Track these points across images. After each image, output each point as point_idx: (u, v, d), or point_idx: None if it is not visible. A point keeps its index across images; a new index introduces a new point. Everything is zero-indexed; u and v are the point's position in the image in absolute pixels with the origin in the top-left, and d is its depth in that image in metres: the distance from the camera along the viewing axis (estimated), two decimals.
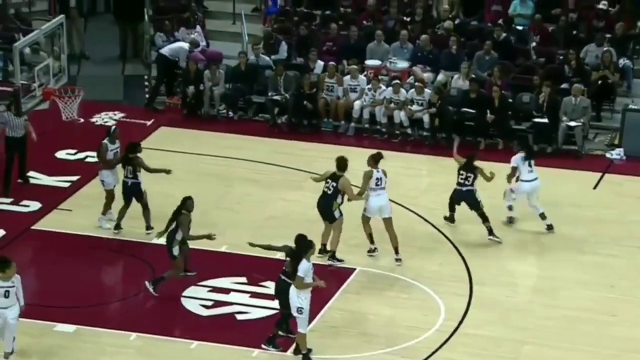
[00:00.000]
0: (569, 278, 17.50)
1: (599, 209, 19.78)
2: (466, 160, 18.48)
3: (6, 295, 14.55)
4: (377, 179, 17.52)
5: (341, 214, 17.48)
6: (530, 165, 18.68)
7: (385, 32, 24.02)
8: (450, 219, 18.83)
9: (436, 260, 17.85)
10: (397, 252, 17.65)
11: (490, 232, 18.35)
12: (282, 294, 15.29)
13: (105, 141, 18.49)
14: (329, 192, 17.34)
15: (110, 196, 18.38)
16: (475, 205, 18.33)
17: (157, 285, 16.60)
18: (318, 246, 16.51)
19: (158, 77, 23.98)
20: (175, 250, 16.57)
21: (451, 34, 23.79)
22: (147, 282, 16.63)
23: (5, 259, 14.74)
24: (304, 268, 14.89)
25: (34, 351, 15.28)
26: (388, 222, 17.61)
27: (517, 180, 18.79)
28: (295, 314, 15.01)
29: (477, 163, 18.56)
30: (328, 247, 17.59)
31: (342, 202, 17.44)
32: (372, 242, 17.79)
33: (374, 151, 18.00)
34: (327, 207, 17.39)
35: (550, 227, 18.73)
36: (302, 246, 15.11)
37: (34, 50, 21.82)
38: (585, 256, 18.19)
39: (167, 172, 18.18)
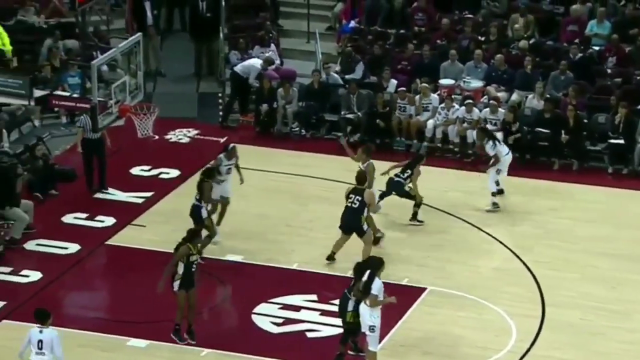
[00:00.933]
0: None
1: None
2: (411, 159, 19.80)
3: (40, 346, 14.05)
4: None
5: (368, 226, 17.60)
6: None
7: (459, 51, 23.95)
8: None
9: (508, 281, 17.70)
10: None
11: (414, 216, 19.29)
12: (342, 308, 15.32)
13: (221, 155, 18.85)
14: (355, 206, 17.51)
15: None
16: (403, 193, 19.38)
17: (178, 335, 15.88)
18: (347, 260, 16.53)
19: (231, 95, 24.17)
20: (175, 286, 15.72)
21: (526, 53, 23.64)
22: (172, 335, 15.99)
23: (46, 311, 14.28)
24: (377, 286, 14.88)
25: None
26: None
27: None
28: (367, 332, 14.98)
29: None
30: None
31: (367, 215, 17.61)
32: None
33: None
34: (356, 221, 17.52)
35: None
36: (374, 263, 15.10)
37: (111, 68, 22.13)
38: None
39: (210, 215, 18.26)
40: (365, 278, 15.03)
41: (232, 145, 19.30)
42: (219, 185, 18.70)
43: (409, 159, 19.97)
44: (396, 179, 19.48)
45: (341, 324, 15.51)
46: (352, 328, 15.33)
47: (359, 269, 15.28)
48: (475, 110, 22.36)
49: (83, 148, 20.45)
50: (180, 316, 15.98)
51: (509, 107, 22.32)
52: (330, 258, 17.98)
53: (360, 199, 17.53)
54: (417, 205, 19.41)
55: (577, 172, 21.66)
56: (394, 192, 19.49)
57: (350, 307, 15.23)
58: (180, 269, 15.71)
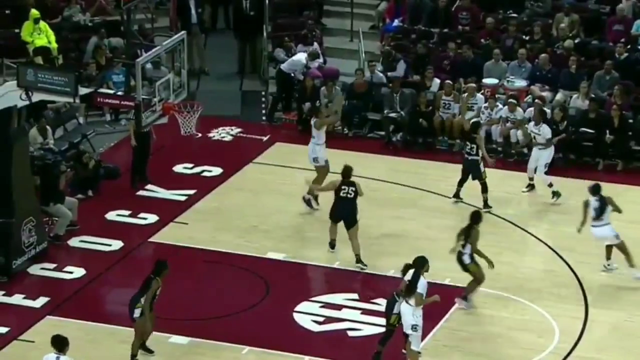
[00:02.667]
0: None
1: None
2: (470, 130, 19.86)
3: None
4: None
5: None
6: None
7: (503, 50, 23.83)
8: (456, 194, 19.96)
9: (551, 282, 17.59)
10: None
11: (486, 204, 19.47)
12: (388, 310, 15.37)
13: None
14: (351, 196, 18.02)
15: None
16: (478, 175, 19.55)
17: None
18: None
19: (277, 92, 24.24)
20: (136, 313, 15.41)
21: (571, 53, 23.47)
22: None
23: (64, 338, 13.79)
24: (422, 285, 14.87)
25: None
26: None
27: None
28: (409, 331, 14.95)
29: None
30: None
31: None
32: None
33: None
34: (353, 211, 18.05)
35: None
36: (418, 262, 15.09)
37: (155, 66, 22.24)
38: None
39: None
40: (409, 277, 15.00)
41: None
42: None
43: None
44: (470, 157, 19.68)
45: (385, 324, 15.48)
46: (393, 330, 15.32)
47: (406, 268, 15.25)
48: (519, 109, 22.23)
49: (137, 141, 20.62)
50: (136, 347, 15.54)
51: (559, 106, 22.17)
52: (332, 246, 18.42)
53: (354, 189, 18.09)
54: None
55: (622, 173, 21.48)
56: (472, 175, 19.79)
57: (396, 309, 15.22)
58: (145, 300, 15.47)
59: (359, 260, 18.00)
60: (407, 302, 14.97)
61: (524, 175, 21.11)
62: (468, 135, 20.00)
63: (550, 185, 20.23)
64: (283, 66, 24.03)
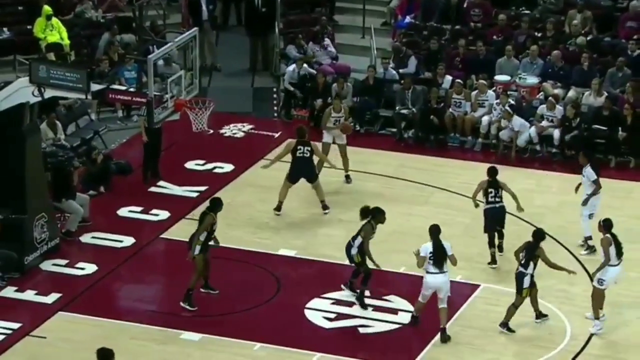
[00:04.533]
0: None
1: None
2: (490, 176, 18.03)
3: None
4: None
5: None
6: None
7: (515, 47, 23.79)
8: (493, 258, 17.98)
9: (563, 279, 17.54)
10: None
11: (500, 247, 18.13)
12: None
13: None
14: (307, 155, 19.46)
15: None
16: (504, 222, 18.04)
17: (190, 300, 16.63)
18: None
19: (287, 94, 24.23)
20: (195, 250, 16.63)
21: (583, 50, 23.42)
22: (181, 303, 16.69)
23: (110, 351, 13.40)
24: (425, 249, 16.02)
25: (159, 358, 15.53)
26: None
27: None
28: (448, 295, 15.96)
29: None
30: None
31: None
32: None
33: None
34: (312, 168, 19.59)
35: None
36: (433, 231, 16.07)
37: (167, 62, 22.25)
38: None
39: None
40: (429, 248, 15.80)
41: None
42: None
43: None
44: (497, 205, 17.92)
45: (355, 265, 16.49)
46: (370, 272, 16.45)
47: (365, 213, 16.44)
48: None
49: (148, 137, 20.63)
50: (195, 282, 16.55)
51: (572, 102, 22.12)
52: (279, 209, 19.44)
53: (310, 149, 19.41)
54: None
55: (634, 170, 21.42)
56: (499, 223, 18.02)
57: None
58: (203, 236, 16.51)
59: (325, 207, 19.53)
60: (442, 272, 15.76)
61: (536, 173, 21.08)
62: (492, 180, 17.94)
63: (589, 238, 18.39)
64: (286, 84, 24.00)
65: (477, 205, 18.03)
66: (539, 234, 16.28)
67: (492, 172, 18.03)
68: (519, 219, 19.11)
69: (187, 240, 16.97)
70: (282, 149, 20.00)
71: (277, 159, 19.88)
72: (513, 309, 16.11)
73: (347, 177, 20.83)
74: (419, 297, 16.15)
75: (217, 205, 16.82)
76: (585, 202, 18.25)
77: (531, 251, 15.98)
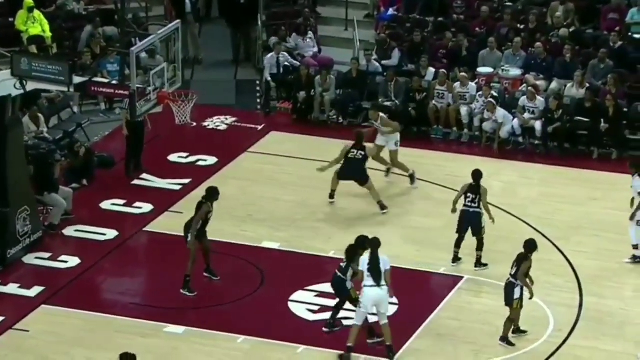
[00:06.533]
0: None
1: None
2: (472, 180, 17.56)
3: None
4: None
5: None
6: None
7: (498, 39, 23.82)
8: (455, 257, 17.77)
9: (547, 271, 17.60)
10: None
11: (479, 262, 17.62)
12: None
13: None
14: (359, 158, 19.28)
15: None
16: (478, 229, 17.51)
17: (188, 286, 16.86)
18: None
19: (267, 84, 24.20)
20: (190, 238, 16.80)
21: (566, 41, 23.47)
22: (182, 291, 16.83)
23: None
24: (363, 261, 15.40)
25: (143, 351, 15.48)
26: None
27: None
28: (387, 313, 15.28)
29: None
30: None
31: None
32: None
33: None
34: (363, 170, 19.36)
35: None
36: (368, 243, 15.53)
37: (150, 55, 22.17)
38: None
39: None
40: (367, 261, 15.27)
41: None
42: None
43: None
44: (471, 210, 17.59)
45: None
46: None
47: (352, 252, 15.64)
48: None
49: (129, 130, 20.60)
50: (191, 268, 16.69)
51: (554, 94, 22.15)
52: (332, 196, 19.51)
53: (363, 153, 19.21)
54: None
55: (616, 161, 21.49)
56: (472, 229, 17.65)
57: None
58: (199, 224, 16.76)
59: (382, 207, 19.37)
60: (379, 285, 15.15)
61: (519, 165, 21.12)
62: (475, 184, 17.58)
63: (635, 247, 17.91)
64: (266, 74, 23.89)
65: (454, 211, 17.68)
66: (531, 245, 15.81)
67: (475, 177, 17.57)
68: (503, 211, 19.17)
69: (182, 230, 17.08)
70: (339, 153, 19.39)
71: (334, 162, 19.38)
72: (509, 322, 15.81)
73: (388, 170, 20.68)
74: (354, 319, 15.42)
75: (213, 194, 16.99)
76: (632, 217, 17.71)
77: (522, 262, 15.68)
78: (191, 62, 25.50)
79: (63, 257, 18.03)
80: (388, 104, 22.96)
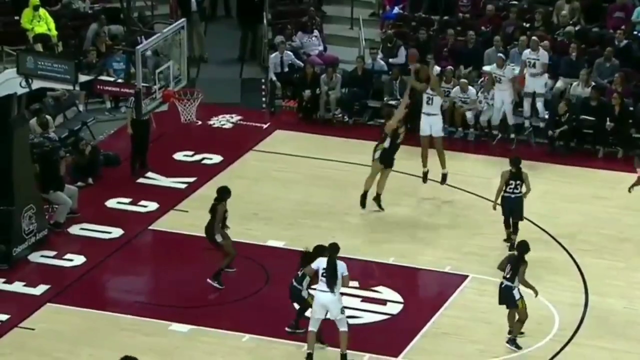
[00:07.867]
0: None
1: None
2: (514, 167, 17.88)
3: None
4: None
5: None
6: None
7: (503, 38, 23.79)
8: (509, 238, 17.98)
9: (552, 269, 17.59)
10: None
11: (512, 245, 17.47)
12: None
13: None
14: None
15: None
16: (520, 214, 17.83)
17: (218, 278, 16.99)
18: None
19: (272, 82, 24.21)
20: (218, 237, 16.92)
21: (572, 40, 23.44)
22: (209, 280, 17.00)
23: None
24: (342, 266, 15.27)
25: (148, 349, 15.52)
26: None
27: None
28: (340, 316, 15.20)
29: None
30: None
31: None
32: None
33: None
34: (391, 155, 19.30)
35: None
36: (330, 249, 15.40)
37: (155, 53, 22.16)
38: None
39: None
40: (323, 265, 15.15)
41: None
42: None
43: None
44: (513, 196, 17.87)
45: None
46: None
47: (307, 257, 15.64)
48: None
49: (133, 129, 20.60)
50: (227, 263, 17.04)
51: (565, 99, 22.14)
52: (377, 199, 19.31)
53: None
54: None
55: (622, 160, 21.46)
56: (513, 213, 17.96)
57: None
58: (220, 225, 16.97)
59: (377, 200, 19.23)
60: (332, 291, 15.02)
61: (522, 163, 21.08)
62: (515, 171, 17.86)
63: None
64: (270, 73, 23.91)
65: (495, 208, 17.85)
66: (523, 247, 15.70)
67: (515, 163, 17.83)
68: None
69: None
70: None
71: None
72: (519, 324, 15.72)
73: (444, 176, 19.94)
74: (309, 326, 15.34)
75: (225, 193, 17.17)
76: None
77: (517, 264, 15.58)
78: (196, 60, 25.50)
79: (68, 256, 18.05)
80: (393, 102, 22.94)
